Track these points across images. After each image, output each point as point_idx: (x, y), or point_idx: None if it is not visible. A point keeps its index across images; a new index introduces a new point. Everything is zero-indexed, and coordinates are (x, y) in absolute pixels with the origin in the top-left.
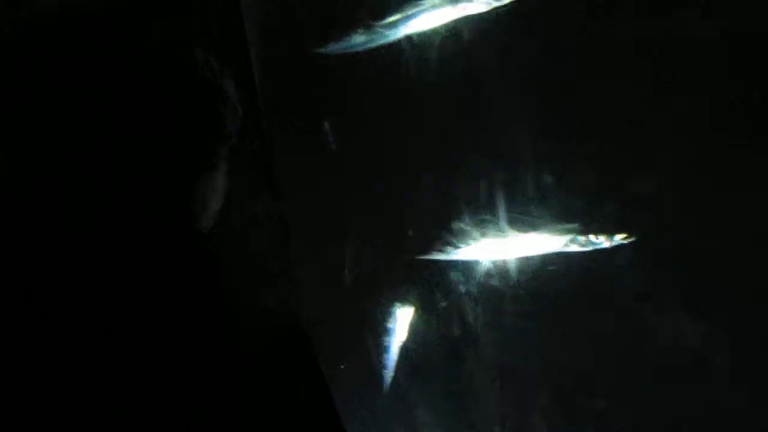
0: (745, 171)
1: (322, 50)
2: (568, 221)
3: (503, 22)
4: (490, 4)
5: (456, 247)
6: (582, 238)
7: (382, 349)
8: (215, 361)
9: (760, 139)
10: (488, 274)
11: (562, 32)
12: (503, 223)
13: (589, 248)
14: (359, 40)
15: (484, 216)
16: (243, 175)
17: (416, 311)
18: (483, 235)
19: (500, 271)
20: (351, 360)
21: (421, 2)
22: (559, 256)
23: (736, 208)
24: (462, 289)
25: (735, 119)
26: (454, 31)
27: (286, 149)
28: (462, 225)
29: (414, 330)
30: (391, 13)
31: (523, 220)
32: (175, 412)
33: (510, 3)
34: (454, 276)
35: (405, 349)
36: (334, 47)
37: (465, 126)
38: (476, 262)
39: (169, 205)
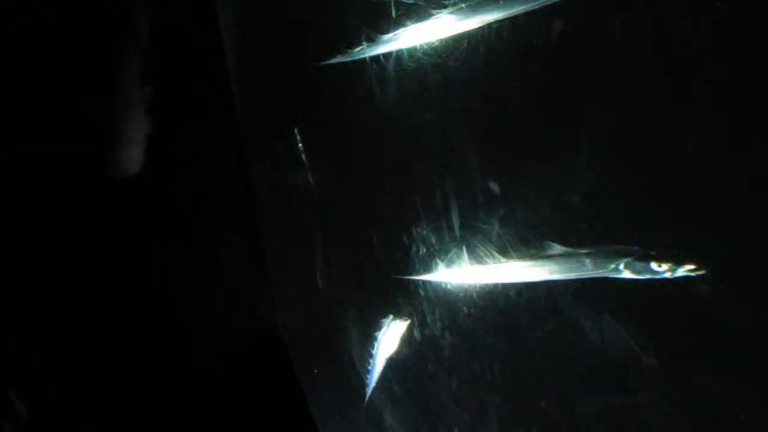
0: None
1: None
2: (621, 243)
3: (491, 37)
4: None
5: (444, 265)
6: (639, 265)
7: (356, 358)
8: (189, 366)
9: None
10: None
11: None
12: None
13: (645, 276)
14: (347, 55)
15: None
16: (216, 180)
17: (392, 323)
18: (488, 257)
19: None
20: (326, 368)
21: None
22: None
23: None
24: (441, 306)
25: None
26: (428, 48)
27: (258, 156)
28: (453, 244)
29: (389, 341)
30: (386, 27)
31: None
32: (150, 415)
33: (503, 20)
34: (436, 293)
35: (379, 360)
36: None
37: (446, 141)
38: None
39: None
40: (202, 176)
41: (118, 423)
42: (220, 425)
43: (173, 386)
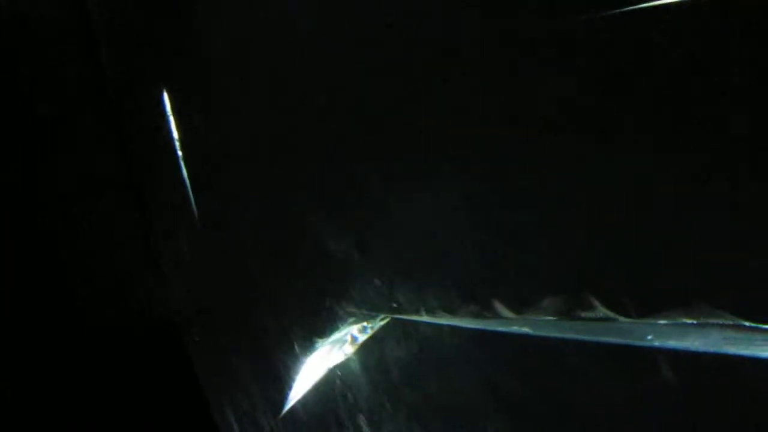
0: None
1: None
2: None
3: None
4: None
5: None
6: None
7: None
8: (78, 348)
9: None
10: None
11: None
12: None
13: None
14: None
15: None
16: (98, 169)
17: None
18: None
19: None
20: (238, 349)
21: None
22: None
23: None
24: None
25: None
26: None
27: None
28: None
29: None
30: None
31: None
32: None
33: None
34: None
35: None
36: None
37: None
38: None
39: None
40: (82, 157)
41: (7, 409)
42: (110, 406)
43: (64, 370)
